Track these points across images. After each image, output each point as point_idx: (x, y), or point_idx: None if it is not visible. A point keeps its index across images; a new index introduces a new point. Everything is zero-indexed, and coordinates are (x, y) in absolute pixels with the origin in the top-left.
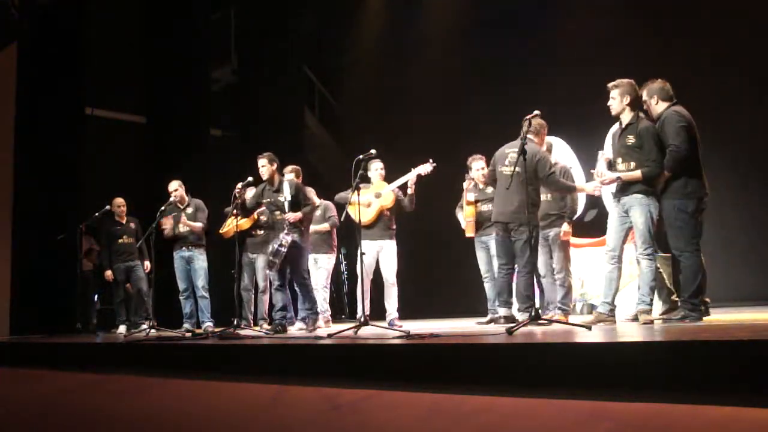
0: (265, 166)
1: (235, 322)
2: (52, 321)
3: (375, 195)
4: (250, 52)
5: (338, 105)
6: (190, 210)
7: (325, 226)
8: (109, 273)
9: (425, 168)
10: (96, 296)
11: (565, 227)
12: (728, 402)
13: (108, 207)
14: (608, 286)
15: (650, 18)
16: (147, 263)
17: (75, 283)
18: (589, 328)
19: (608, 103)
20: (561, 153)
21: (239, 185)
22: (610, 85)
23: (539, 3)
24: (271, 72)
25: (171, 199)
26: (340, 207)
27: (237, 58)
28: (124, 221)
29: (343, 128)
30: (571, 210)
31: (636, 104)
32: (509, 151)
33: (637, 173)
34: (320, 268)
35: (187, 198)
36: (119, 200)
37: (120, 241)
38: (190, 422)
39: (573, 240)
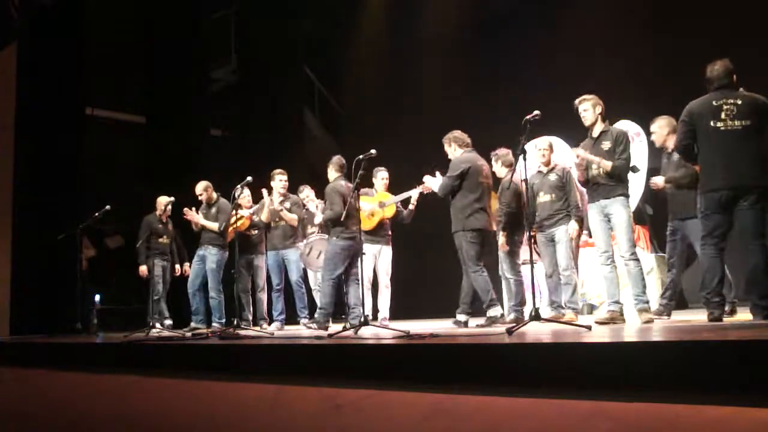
0: (329, 172)
1: (235, 322)
2: (52, 321)
3: (379, 204)
4: (250, 52)
5: (338, 105)
6: (213, 210)
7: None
8: (143, 269)
9: (427, 186)
10: (96, 296)
11: (574, 225)
12: (728, 402)
13: (108, 207)
14: (612, 286)
15: (650, 17)
16: (177, 266)
17: (75, 283)
18: (589, 328)
19: (582, 115)
20: (562, 153)
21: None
22: (577, 101)
23: (539, 2)
24: (271, 72)
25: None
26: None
27: (237, 58)
28: (165, 221)
29: (343, 128)
30: (576, 207)
31: (605, 115)
32: (482, 163)
33: (608, 163)
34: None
35: (214, 196)
36: (167, 199)
37: (160, 240)
38: (190, 422)
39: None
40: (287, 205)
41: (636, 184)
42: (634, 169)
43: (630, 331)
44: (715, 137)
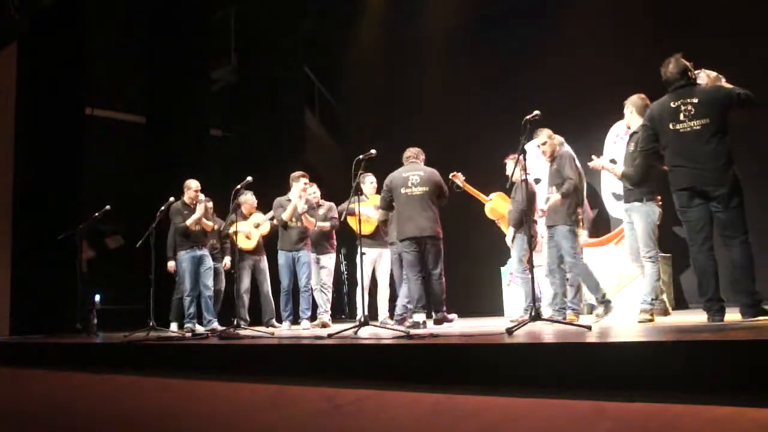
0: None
1: (236, 322)
2: (52, 321)
3: (375, 207)
4: (250, 51)
5: (338, 105)
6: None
7: (325, 225)
8: (172, 264)
9: None
10: (96, 296)
11: (556, 195)
12: (728, 402)
13: (108, 207)
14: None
15: (651, 17)
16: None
17: (75, 283)
18: (590, 328)
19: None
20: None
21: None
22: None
23: (539, 4)
24: (271, 72)
25: (186, 198)
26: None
27: (237, 58)
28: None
29: (343, 128)
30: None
31: (643, 112)
32: (409, 174)
33: (618, 170)
34: (323, 267)
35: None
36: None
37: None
38: (190, 422)
39: None
40: (305, 207)
41: None
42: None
43: (630, 331)
44: (676, 139)
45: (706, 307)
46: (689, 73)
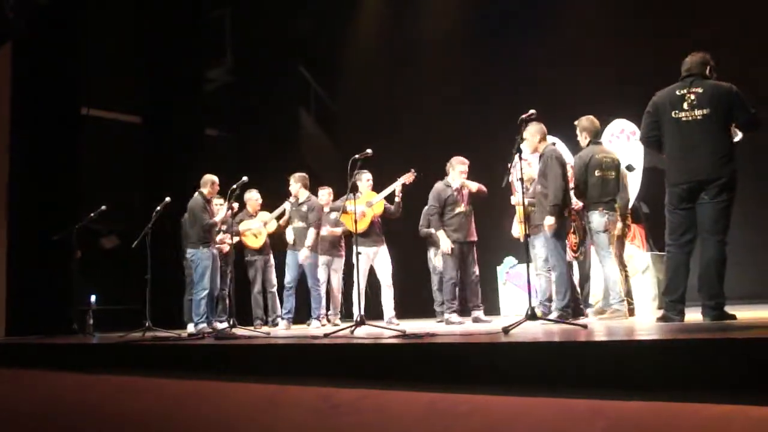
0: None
1: (232, 322)
2: (48, 321)
3: (366, 204)
4: (247, 51)
5: (334, 105)
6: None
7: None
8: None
9: (408, 177)
10: (92, 297)
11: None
12: (726, 400)
13: (104, 207)
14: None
15: (650, 18)
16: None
17: (71, 284)
18: (586, 327)
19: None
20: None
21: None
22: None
23: (539, 3)
24: (268, 72)
25: (208, 194)
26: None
27: (233, 58)
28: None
29: (339, 128)
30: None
31: (594, 134)
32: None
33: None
34: (336, 270)
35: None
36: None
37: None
38: (189, 422)
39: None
40: (304, 208)
41: (632, 182)
42: (630, 168)
43: (627, 330)
44: (676, 128)
45: (669, 305)
46: (708, 68)
